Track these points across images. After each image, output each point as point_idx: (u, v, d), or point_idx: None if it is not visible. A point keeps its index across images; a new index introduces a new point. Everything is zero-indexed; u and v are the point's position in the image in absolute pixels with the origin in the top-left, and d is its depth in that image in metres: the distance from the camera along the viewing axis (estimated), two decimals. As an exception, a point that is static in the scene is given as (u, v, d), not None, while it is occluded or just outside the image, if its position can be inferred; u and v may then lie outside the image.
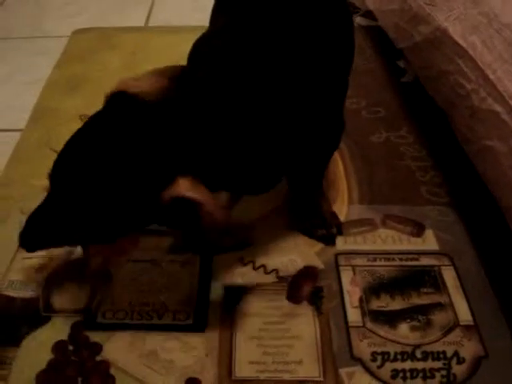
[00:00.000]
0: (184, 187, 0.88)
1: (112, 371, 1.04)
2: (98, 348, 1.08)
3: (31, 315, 1.14)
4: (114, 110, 0.98)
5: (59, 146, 1.51)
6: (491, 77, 1.19)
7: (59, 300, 1.17)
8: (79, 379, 1.03)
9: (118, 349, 1.08)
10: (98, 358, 1.06)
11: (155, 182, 0.89)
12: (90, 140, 0.95)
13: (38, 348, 1.08)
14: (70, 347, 1.08)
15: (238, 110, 0.96)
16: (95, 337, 1.10)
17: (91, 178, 0.91)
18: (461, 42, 1.32)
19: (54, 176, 0.97)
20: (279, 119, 1.00)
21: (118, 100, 0.98)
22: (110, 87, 1.75)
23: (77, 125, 1.60)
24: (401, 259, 1.24)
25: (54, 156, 1.39)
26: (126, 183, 0.89)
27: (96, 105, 1.67)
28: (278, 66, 1.01)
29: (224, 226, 0.95)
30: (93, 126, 0.98)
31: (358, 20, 2.13)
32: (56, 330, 1.11)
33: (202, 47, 1.11)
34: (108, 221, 0.93)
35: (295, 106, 1.01)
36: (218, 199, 0.98)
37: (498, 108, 1.15)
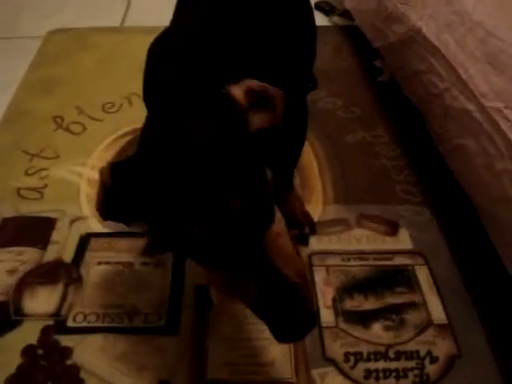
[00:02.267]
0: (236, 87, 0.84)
1: (82, 375, 1.03)
2: (68, 352, 1.07)
3: (1, 319, 1.12)
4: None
5: (32, 149, 1.52)
6: (463, 75, 1.19)
7: (30, 304, 1.15)
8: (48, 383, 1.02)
9: (88, 352, 1.07)
10: (69, 362, 1.05)
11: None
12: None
13: (7, 352, 1.07)
14: (40, 351, 1.07)
15: None
16: (65, 340, 1.09)
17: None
18: (434, 41, 1.32)
19: None
20: None
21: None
22: (84, 90, 1.75)
23: (50, 126, 1.61)
24: (375, 259, 1.24)
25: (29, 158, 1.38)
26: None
27: (70, 106, 1.68)
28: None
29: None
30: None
31: (336, 20, 2.13)
32: (26, 334, 1.09)
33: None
34: None
35: None
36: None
37: (469, 106, 1.15)
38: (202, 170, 0.75)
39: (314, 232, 1.28)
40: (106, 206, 0.88)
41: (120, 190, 0.83)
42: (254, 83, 0.84)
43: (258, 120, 0.86)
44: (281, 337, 0.75)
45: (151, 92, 1.06)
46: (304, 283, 0.78)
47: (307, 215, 1.30)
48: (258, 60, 1.01)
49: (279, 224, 0.82)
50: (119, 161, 0.85)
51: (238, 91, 0.83)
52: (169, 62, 0.99)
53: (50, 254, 1.25)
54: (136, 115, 1.58)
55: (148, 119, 0.93)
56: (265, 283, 0.75)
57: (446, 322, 1.12)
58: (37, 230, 1.30)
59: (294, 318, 0.74)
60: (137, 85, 1.73)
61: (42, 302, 1.15)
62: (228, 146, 0.79)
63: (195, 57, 0.97)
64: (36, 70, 1.87)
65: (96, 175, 1.40)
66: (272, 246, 0.77)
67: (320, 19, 2.07)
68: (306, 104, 1.18)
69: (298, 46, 1.11)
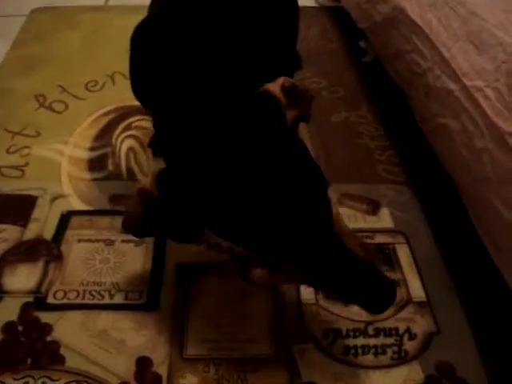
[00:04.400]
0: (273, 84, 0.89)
1: (62, 351, 1.03)
2: (48, 329, 1.06)
3: (-19, 296, 1.12)
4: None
5: (13, 127, 1.50)
6: (446, 55, 1.19)
7: (10, 281, 1.15)
8: (28, 360, 1.02)
9: (68, 329, 1.06)
10: (49, 339, 1.05)
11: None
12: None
13: (-13, 329, 1.06)
14: (20, 328, 1.06)
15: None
16: (46, 317, 1.08)
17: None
18: (417, 20, 1.32)
19: None
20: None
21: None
22: (67, 68, 1.73)
23: (32, 104, 1.60)
24: (356, 237, 1.24)
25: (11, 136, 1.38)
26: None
27: (53, 85, 1.66)
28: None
29: None
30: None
31: (322, 1, 2.12)
32: (6, 311, 1.09)
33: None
34: None
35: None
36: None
37: (451, 86, 1.15)
38: (282, 175, 0.79)
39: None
40: (151, 222, 0.88)
41: (174, 201, 0.84)
42: (285, 80, 0.89)
43: (290, 115, 0.90)
44: (376, 309, 0.80)
45: (150, 88, 1.05)
46: (373, 255, 0.81)
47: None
48: (242, 41, 1.01)
49: (334, 205, 0.87)
50: (164, 170, 0.87)
51: (277, 90, 0.88)
52: (167, 55, 0.99)
53: (31, 231, 1.24)
54: (119, 94, 1.60)
55: (170, 120, 0.95)
56: (343, 265, 0.79)
57: (424, 299, 1.13)
58: (17, 208, 1.29)
59: (382, 290, 0.80)
60: (120, 64, 1.72)
61: (22, 279, 1.15)
62: (290, 145, 0.83)
63: (197, 48, 0.98)
64: (18, 49, 1.85)
65: (78, 153, 1.42)
66: (339, 228, 0.82)
67: (306, 0, 2.06)
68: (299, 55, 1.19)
69: (280, 22, 1.11)
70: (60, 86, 1.67)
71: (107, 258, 1.19)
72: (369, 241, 1.23)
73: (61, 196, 1.32)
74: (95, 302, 1.11)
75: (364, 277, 0.79)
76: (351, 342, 1.05)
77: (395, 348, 1.04)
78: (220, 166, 0.81)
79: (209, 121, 0.87)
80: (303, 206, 0.79)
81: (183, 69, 0.97)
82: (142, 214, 0.88)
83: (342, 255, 0.79)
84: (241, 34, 1.02)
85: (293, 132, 0.91)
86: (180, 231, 0.90)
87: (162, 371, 1.00)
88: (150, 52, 1.04)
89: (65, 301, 1.11)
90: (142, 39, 1.07)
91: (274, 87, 0.89)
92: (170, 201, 0.85)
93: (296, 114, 0.91)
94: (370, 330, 1.07)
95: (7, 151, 1.44)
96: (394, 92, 1.50)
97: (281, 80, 0.89)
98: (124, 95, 1.52)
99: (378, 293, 0.79)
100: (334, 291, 0.83)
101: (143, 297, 1.12)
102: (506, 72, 1.03)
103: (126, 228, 0.93)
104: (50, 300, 1.11)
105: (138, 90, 1.11)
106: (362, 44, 1.83)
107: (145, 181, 0.87)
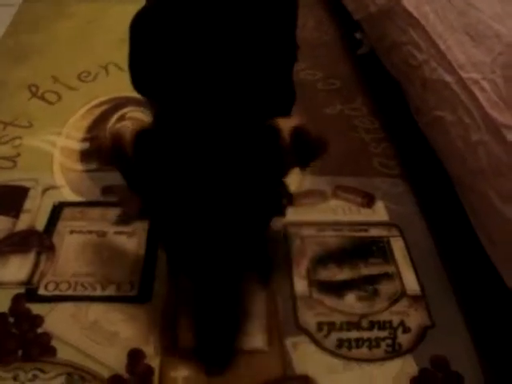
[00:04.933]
0: (284, 122, 0.89)
1: (53, 343, 1.02)
2: (39, 320, 1.05)
3: (-29, 287, 1.11)
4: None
5: (5, 117, 1.49)
6: (442, 47, 1.18)
7: (1, 272, 1.13)
8: (19, 352, 1.00)
9: (59, 321, 1.05)
10: (40, 331, 1.04)
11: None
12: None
13: (-23, 321, 1.05)
14: (11, 319, 1.05)
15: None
16: (37, 309, 1.07)
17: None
18: (414, 12, 1.31)
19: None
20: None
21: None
22: (60, 58, 1.72)
23: (24, 95, 1.58)
24: (350, 230, 1.24)
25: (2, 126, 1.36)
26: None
27: (45, 74, 1.65)
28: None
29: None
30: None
31: (318, -7, 2.11)
32: (-3, 303, 1.08)
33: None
34: None
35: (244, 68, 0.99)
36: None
37: (447, 78, 1.15)
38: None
39: (291, 203, 1.28)
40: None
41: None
42: (299, 124, 0.89)
43: (288, 159, 0.92)
44: None
45: (148, 76, 1.05)
46: None
47: (284, 186, 1.30)
48: (242, 31, 1.00)
49: None
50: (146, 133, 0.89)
51: (286, 131, 0.88)
52: (166, 44, 0.99)
53: (23, 222, 1.23)
54: (112, 85, 1.59)
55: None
56: None
57: (419, 293, 1.12)
58: (9, 199, 1.28)
59: None
60: (114, 54, 1.72)
61: (13, 270, 1.14)
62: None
63: (196, 37, 0.97)
64: (11, 38, 1.84)
65: (71, 144, 1.41)
66: None
67: (302, -9, 2.05)
68: (293, 84, 1.18)
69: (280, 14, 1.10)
70: (53, 77, 1.65)
71: (99, 249, 1.18)
72: (363, 234, 1.23)
73: (53, 187, 1.31)
74: (87, 293, 1.10)
75: None
76: (345, 335, 1.05)
77: (389, 341, 1.04)
78: (187, 162, 0.85)
79: (200, 116, 0.89)
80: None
81: (182, 58, 0.96)
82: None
83: None
84: (240, 24, 1.01)
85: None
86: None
87: (154, 363, 0.99)
88: (149, 40, 1.04)
89: (56, 292, 1.10)
90: (142, 27, 1.06)
91: (285, 125, 0.88)
92: (137, 164, 0.88)
93: (294, 161, 0.92)
94: (364, 323, 1.06)
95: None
96: (389, 84, 1.49)
97: (294, 121, 0.89)
98: (117, 86, 1.52)
99: None
100: None
101: (135, 289, 1.11)
102: (502, 64, 1.02)
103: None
104: (42, 291, 1.10)
105: (136, 78, 1.10)
106: (357, 36, 1.82)
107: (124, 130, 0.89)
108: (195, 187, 0.85)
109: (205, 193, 0.85)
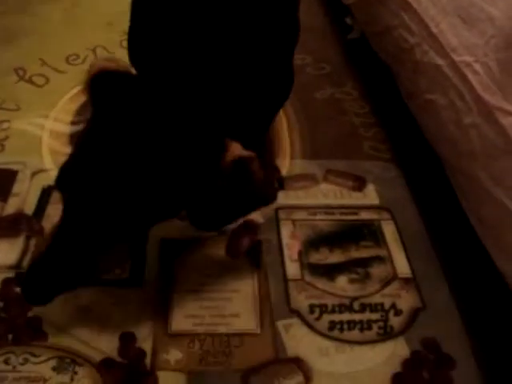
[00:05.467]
0: (238, 148, 0.86)
1: (44, 327, 1.01)
2: (29, 304, 1.04)
3: (-41, 271, 1.09)
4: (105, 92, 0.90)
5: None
6: (434, 30, 1.17)
7: (-10, 256, 1.13)
8: (9, 336, 1.00)
9: (50, 305, 1.03)
10: (30, 315, 1.03)
11: (212, 153, 0.86)
12: (115, 138, 0.85)
13: (-35, 305, 1.04)
14: (0, 304, 1.04)
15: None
16: (27, 293, 1.06)
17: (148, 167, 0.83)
18: (406, -5, 1.30)
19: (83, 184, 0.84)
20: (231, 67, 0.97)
21: (103, 80, 0.91)
22: (47, 41, 1.70)
23: (11, 78, 1.56)
24: (341, 213, 1.24)
25: None
26: (186, 165, 0.85)
27: (33, 57, 1.63)
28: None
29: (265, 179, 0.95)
30: (106, 121, 0.87)
31: (307, -23, 2.09)
32: (-15, 287, 1.07)
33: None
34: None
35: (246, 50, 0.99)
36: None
37: (439, 61, 1.14)
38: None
39: (282, 187, 1.28)
40: None
41: None
42: (242, 155, 0.87)
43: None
44: None
45: (142, 54, 1.04)
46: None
47: (276, 170, 1.30)
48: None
49: None
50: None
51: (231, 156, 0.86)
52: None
53: (11, 206, 1.21)
54: (101, 68, 1.56)
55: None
56: None
57: (410, 275, 1.13)
58: (-3, 182, 1.27)
59: None
60: (102, 37, 1.70)
61: (2, 254, 1.13)
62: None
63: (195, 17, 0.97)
64: (-3, 20, 1.81)
65: (60, 128, 1.40)
66: None
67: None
68: (292, 69, 1.17)
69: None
70: (40, 59, 1.63)
71: (89, 233, 1.17)
72: (354, 217, 1.23)
73: (42, 170, 1.29)
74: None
75: None
76: (337, 317, 1.05)
77: (381, 324, 1.04)
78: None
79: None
80: None
81: (177, 36, 0.96)
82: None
83: None
84: (242, 4, 1.00)
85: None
86: None
87: (146, 347, 0.99)
88: (146, 13, 1.03)
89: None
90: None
91: (235, 152, 0.87)
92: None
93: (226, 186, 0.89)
94: (356, 306, 1.07)
95: (-14, 124, 1.41)
96: (379, 69, 1.49)
97: (238, 152, 0.87)
98: (106, 69, 1.50)
99: None
100: None
101: (126, 272, 1.10)
102: (494, 47, 1.02)
103: None
104: (31, 275, 1.09)
105: (131, 48, 1.10)
106: (347, 21, 1.81)
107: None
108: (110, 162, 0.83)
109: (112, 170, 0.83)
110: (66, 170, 0.87)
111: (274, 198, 1.19)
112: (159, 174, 0.82)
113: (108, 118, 0.87)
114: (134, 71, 1.03)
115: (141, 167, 0.82)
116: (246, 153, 0.87)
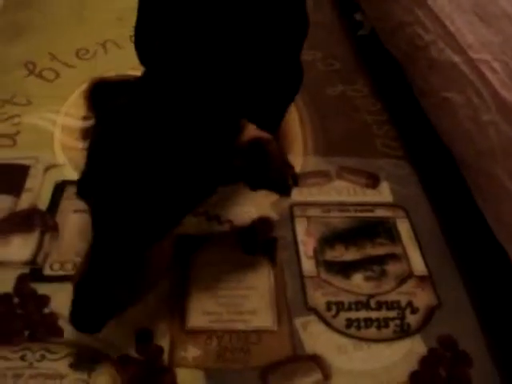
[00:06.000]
0: (254, 128, 0.87)
1: (60, 323, 1.01)
2: (45, 300, 1.04)
3: (-26, 267, 1.09)
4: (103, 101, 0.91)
5: (6, 95, 1.46)
6: (450, 27, 1.17)
7: (4, 252, 1.12)
8: (26, 332, 0.99)
9: (66, 301, 1.03)
10: (46, 311, 1.03)
11: (228, 134, 0.87)
12: (132, 128, 0.85)
13: (-19, 301, 1.04)
14: (16, 300, 1.04)
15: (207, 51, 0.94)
16: (42, 289, 1.06)
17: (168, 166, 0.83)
18: (420, -8, 1.30)
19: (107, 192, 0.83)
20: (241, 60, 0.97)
21: (102, 88, 0.92)
22: (57, 35, 1.69)
23: (21, 72, 1.55)
24: (355, 210, 1.24)
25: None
26: (203, 150, 0.85)
27: (42, 52, 1.62)
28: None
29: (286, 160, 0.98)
30: (114, 123, 0.87)
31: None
32: (1, 283, 1.06)
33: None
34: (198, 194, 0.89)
35: (256, 45, 0.99)
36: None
37: (456, 59, 1.14)
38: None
39: (296, 184, 1.27)
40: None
41: None
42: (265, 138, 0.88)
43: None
44: None
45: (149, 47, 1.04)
46: None
47: (290, 167, 1.29)
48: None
49: None
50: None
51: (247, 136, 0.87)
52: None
53: (24, 201, 1.21)
54: (111, 62, 1.57)
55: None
56: None
57: (426, 273, 1.13)
58: (10, 178, 1.26)
59: None
60: (111, 32, 1.69)
61: (17, 250, 1.12)
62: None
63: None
64: (7, 14, 1.79)
65: (71, 123, 1.39)
66: None
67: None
68: (301, 64, 1.17)
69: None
70: (50, 54, 1.62)
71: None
72: (369, 214, 1.23)
73: (54, 165, 1.29)
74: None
75: None
76: (354, 314, 1.05)
77: (397, 321, 1.04)
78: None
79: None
80: None
81: (184, 31, 0.96)
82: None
83: None
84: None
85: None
86: None
87: (164, 343, 0.99)
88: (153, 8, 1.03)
89: (61, 272, 1.09)
90: None
91: (251, 133, 0.87)
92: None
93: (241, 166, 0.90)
94: (373, 304, 1.07)
95: (-3, 119, 1.41)
96: (390, 66, 1.49)
97: (263, 134, 0.88)
98: (116, 63, 1.50)
99: None
100: None
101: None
102: (513, 45, 1.02)
103: None
104: (47, 271, 1.09)
105: (138, 44, 1.10)
106: (357, 17, 1.81)
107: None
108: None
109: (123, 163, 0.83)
110: (84, 180, 0.86)
111: (290, 185, 1.19)
112: (178, 164, 0.82)
113: (115, 119, 0.87)
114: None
115: (158, 160, 0.82)
116: (262, 134, 0.87)
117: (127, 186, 0.81)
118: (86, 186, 0.86)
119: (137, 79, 0.96)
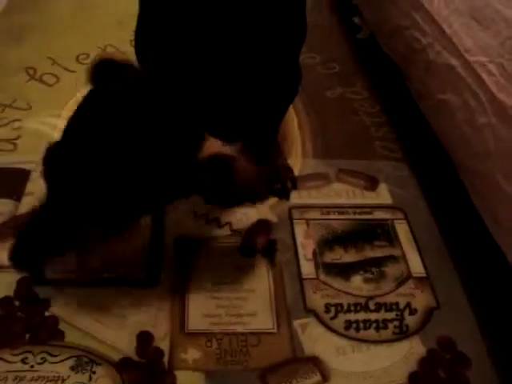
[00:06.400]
0: (217, 144, 0.87)
1: (61, 326, 1.01)
2: (46, 304, 1.05)
3: (-25, 271, 1.09)
4: (105, 79, 0.92)
5: (6, 100, 1.47)
6: (447, 30, 1.18)
7: (4, 255, 1.12)
8: (27, 335, 1.00)
9: (67, 304, 1.05)
10: (47, 314, 1.03)
11: (187, 146, 0.87)
12: (99, 120, 0.87)
13: (-18, 304, 1.04)
14: (17, 303, 1.05)
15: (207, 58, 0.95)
16: (44, 292, 1.06)
17: (120, 157, 0.84)
18: (417, -5, 1.31)
19: (62, 167, 0.88)
20: (242, 64, 0.98)
21: (105, 69, 0.93)
22: (57, 40, 1.70)
23: (22, 77, 1.56)
24: (354, 213, 1.24)
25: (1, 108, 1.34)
26: (159, 156, 0.86)
27: (42, 56, 1.63)
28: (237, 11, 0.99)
29: (254, 176, 0.95)
30: (95, 104, 0.90)
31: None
32: (1, 286, 1.07)
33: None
34: (146, 198, 0.89)
35: (255, 49, 0.99)
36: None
37: (453, 62, 1.15)
38: None
39: (295, 187, 1.28)
40: None
41: None
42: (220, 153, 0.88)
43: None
44: None
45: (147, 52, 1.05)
46: None
47: (289, 170, 1.30)
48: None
49: None
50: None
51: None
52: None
53: (25, 205, 1.21)
54: (111, 67, 1.56)
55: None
56: None
57: (424, 275, 1.14)
58: (11, 182, 1.26)
59: None
60: (112, 36, 1.69)
61: (17, 253, 1.13)
62: None
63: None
64: (7, 19, 1.80)
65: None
66: None
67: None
68: (299, 67, 1.18)
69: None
70: (50, 58, 1.63)
71: (105, 233, 1.17)
72: (367, 216, 1.24)
73: (55, 170, 1.29)
74: (94, 277, 1.09)
75: None
76: (352, 316, 1.06)
77: (396, 323, 1.05)
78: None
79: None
80: None
81: (182, 33, 0.97)
82: None
83: None
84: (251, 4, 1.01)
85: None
86: None
87: (164, 346, 0.99)
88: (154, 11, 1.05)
89: (63, 276, 1.09)
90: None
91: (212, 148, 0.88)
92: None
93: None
94: (371, 305, 1.07)
95: (-3, 124, 1.41)
96: (389, 68, 1.50)
97: (216, 149, 0.88)
98: (117, 68, 1.50)
99: None
100: None
101: (142, 272, 1.11)
102: (510, 48, 1.02)
103: None
104: (48, 275, 1.09)
105: (137, 46, 1.11)
106: (356, 20, 1.82)
107: None
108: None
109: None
110: (53, 150, 0.91)
111: (262, 198, 1.21)
112: (133, 160, 0.84)
113: (97, 103, 0.89)
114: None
115: (118, 151, 0.84)
116: (225, 150, 0.87)
117: (88, 165, 0.84)
118: (54, 154, 0.90)
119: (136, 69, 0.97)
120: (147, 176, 0.85)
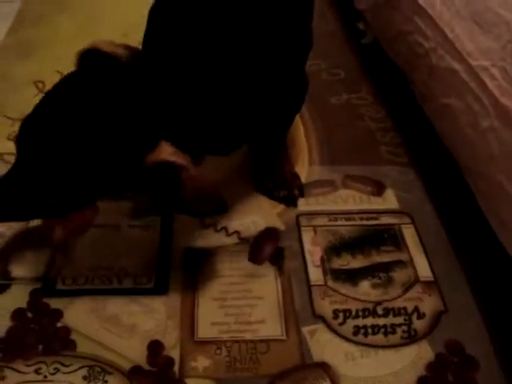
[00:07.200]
0: (168, 152, 0.88)
1: (73, 337, 1.03)
2: (58, 314, 1.06)
3: (-12, 283, 1.11)
4: (90, 68, 0.95)
5: (12, 113, 1.49)
6: (449, 35, 1.18)
7: (17, 267, 1.14)
8: (40, 346, 1.02)
9: (78, 314, 1.07)
10: (59, 325, 1.05)
11: (137, 146, 0.88)
12: (66, 101, 0.91)
13: (-4, 316, 1.06)
14: (30, 314, 1.06)
15: (204, 70, 0.96)
16: (55, 303, 1.08)
17: (70, 139, 0.87)
18: (420, 0, 1.31)
19: (25, 139, 0.92)
20: (244, 75, 0.99)
21: (92, 58, 0.95)
22: (64, 53, 1.71)
23: (31, 91, 1.58)
24: (361, 218, 1.25)
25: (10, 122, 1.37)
26: (107, 147, 0.87)
27: (50, 70, 1.64)
28: (241, 22, 1.00)
29: (204, 190, 0.95)
30: (69, 85, 0.94)
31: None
32: (14, 298, 1.09)
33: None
34: (86, 185, 0.90)
35: (260, 60, 1.01)
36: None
37: (455, 66, 1.15)
38: None
39: (302, 194, 1.29)
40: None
41: None
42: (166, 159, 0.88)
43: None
44: None
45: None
46: None
47: (296, 177, 1.31)
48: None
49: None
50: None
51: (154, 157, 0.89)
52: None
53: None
54: (118, 78, 1.58)
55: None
56: None
57: (432, 279, 1.14)
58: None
59: None
60: (118, 48, 1.69)
61: (29, 265, 1.15)
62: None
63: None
64: (15, 34, 1.83)
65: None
66: None
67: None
68: (306, 76, 1.19)
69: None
70: (58, 72, 1.64)
71: (114, 242, 1.19)
72: (374, 222, 1.24)
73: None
74: (104, 286, 1.11)
75: None
76: (361, 322, 1.06)
77: (404, 327, 1.05)
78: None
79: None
80: None
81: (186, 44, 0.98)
82: None
83: None
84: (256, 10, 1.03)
85: None
86: None
87: (174, 354, 1.01)
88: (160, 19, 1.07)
89: (74, 286, 1.11)
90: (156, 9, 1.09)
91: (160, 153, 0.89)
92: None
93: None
94: (379, 310, 1.08)
95: (8, 138, 1.43)
96: (393, 73, 1.50)
97: (165, 156, 0.88)
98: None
99: None
100: None
101: (152, 281, 1.12)
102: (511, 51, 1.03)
103: None
104: (59, 286, 1.11)
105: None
106: (360, 26, 1.83)
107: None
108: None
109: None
110: (26, 119, 0.95)
111: (204, 215, 1.18)
112: (84, 149, 0.87)
113: (70, 83, 0.94)
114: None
115: (72, 129, 0.87)
116: (175, 159, 0.88)
117: (45, 137, 0.88)
118: (25, 123, 0.94)
119: (129, 64, 0.97)
120: (93, 159, 0.87)
